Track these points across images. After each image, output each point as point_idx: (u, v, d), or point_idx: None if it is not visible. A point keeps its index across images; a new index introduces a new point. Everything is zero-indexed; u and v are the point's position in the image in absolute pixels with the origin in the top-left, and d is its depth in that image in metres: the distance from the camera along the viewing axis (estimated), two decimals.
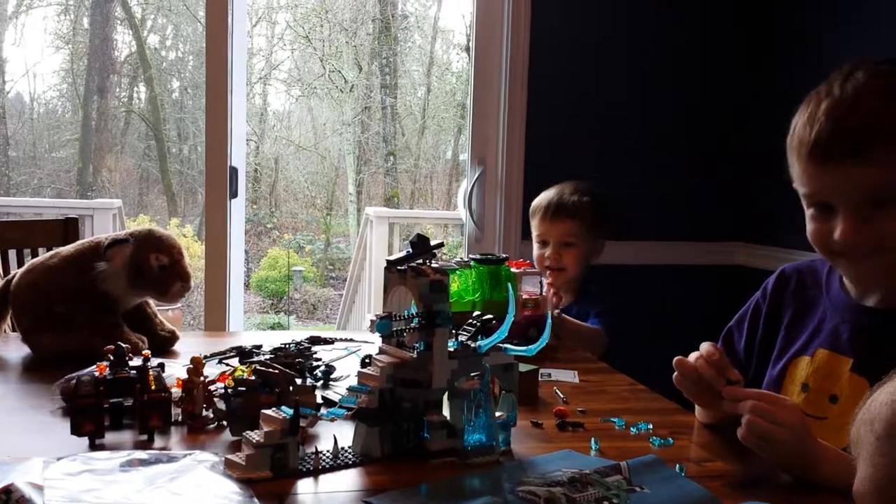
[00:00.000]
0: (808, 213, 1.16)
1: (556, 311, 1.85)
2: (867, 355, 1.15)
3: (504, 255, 1.74)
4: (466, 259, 1.73)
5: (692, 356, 1.18)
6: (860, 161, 1.05)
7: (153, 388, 1.11)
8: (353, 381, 1.08)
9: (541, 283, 1.79)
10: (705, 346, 1.17)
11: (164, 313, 1.73)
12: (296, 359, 1.34)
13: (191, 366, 1.16)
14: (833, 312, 1.23)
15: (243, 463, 0.95)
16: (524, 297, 1.70)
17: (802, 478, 1.02)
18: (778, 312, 1.34)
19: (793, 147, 1.14)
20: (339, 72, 11.50)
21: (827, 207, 1.11)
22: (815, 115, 1.09)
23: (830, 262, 1.20)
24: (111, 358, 1.18)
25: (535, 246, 2.17)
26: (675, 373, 1.19)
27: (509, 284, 1.41)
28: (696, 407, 1.27)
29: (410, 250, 1.10)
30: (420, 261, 1.09)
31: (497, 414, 1.09)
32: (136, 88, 11.55)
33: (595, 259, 2.20)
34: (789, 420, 1.01)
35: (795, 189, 1.19)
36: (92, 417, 1.07)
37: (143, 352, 1.21)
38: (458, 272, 1.65)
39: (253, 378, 1.11)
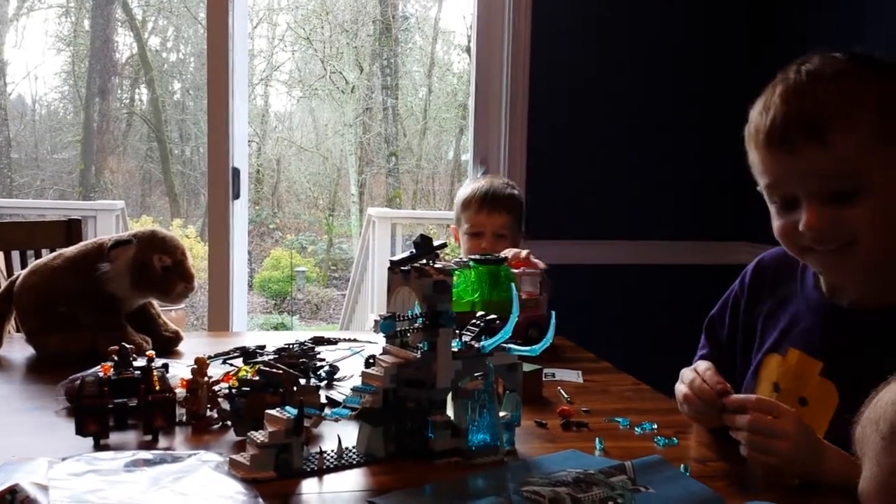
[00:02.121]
0: (772, 209, 1.13)
1: None
2: (836, 359, 1.13)
3: (503, 256, 1.74)
4: (466, 259, 1.72)
5: (686, 375, 1.18)
6: (817, 144, 1.02)
7: (157, 388, 1.11)
8: (357, 382, 1.08)
9: (540, 283, 1.79)
10: (703, 367, 1.16)
11: (168, 314, 1.74)
12: (299, 359, 1.34)
13: (195, 366, 1.16)
14: (807, 311, 1.21)
15: (248, 463, 0.95)
16: (524, 297, 1.69)
17: (808, 481, 1.01)
18: (755, 304, 1.31)
19: (750, 136, 1.12)
20: (341, 73, 11.50)
21: (790, 202, 1.08)
22: (769, 101, 1.08)
23: (801, 258, 1.16)
24: (115, 358, 1.18)
25: (464, 238, 2.13)
26: (682, 402, 1.18)
27: (512, 284, 1.41)
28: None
29: (414, 251, 1.10)
30: (423, 261, 1.09)
31: (501, 414, 1.09)
32: (137, 90, 11.57)
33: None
34: (788, 429, 1.00)
35: (759, 191, 1.16)
36: (96, 418, 1.07)
37: (147, 352, 1.21)
38: (457, 272, 1.64)
39: (257, 378, 1.11)
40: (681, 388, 1.19)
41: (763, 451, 1.01)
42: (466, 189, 2.17)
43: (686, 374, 1.19)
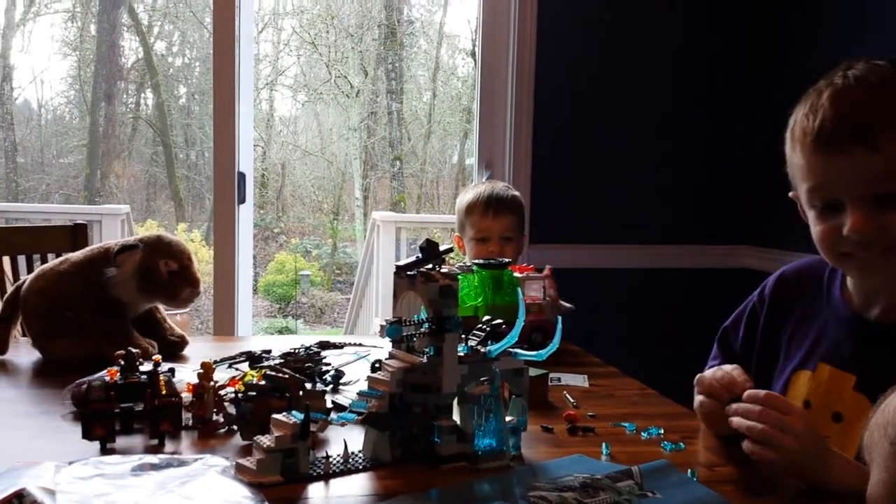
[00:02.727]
0: (812, 214, 1.12)
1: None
2: (870, 373, 1.12)
3: (507, 260, 1.73)
4: (469, 263, 1.72)
5: (709, 372, 1.17)
6: (866, 148, 1.02)
7: (164, 392, 1.11)
8: (363, 386, 1.07)
9: (544, 287, 1.79)
10: (730, 367, 1.16)
11: (173, 318, 1.74)
12: (305, 363, 1.34)
13: (201, 371, 1.16)
14: (835, 324, 1.20)
15: (254, 467, 0.95)
16: (528, 301, 1.69)
17: (812, 485, 1.01)
18: (778, 320, 1.30)
19: (795, 139, 1.11)
20: (346, 77, 11.53)
21: (833, 206, 1.08)
22: (817, 105, 1.07)
23: (838, 265, 1.16)
24: (122, 363, 1.18)
25: (470, 245, 2.11)
26: (703, 397, 1.18)
27: (518, 289, 1.40)
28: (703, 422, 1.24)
29: (420, 255, 1.10)
30: (429, 266, 1.09)
31: (507, 419, 1.09)
32: (143, 94, 11.61)
33: (520, 254, 2.18)
34: (796, 426, 0.99)
35: (793, 198, 1.17)
36: (103, 422, 1.07)
37: (154, 357, 1.21)
38: (460, 277, 1.64)
39: (263, 383, 1.11)
40: (705, 379, 1.17)
41: (769, 446, 1.00)
42: (468, 195, 2.16)
43: (709, 371, 1.18)
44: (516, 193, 2.16)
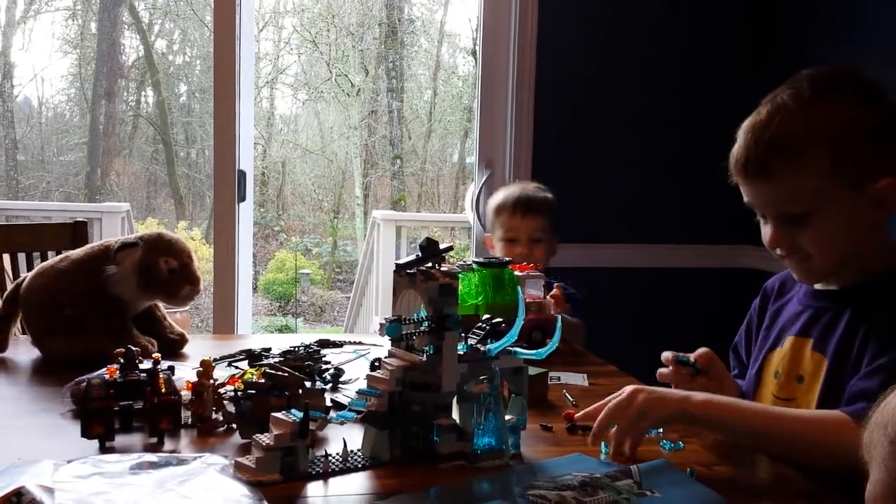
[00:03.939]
0: (759, 219, 1.28)
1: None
2: (823, 332, 1.24)
3: (507, 259, 1.73)
4: (469, 262, 1.72)
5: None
6: (766, 179, 1.18)
7: (163, 390, 1.11)
8: (363, 385, 1.08)
9: (543, 286, 1.79)
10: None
11: (172, 316, 1.74)
12: (305, 362, 1.34)
13: (200, 369, 1.16)
14: (799, 304, 1.33)
15: (253, 466, 0.96)
16: (527, 300, 1.69)
17: (683, 419, 1.11)
18: (761, 320, 1.42)
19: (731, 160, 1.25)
20: (346, 76, 11.52)
21: (763, 217, 1.24)
22: (740, 134, 1.22)
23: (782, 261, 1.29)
24: (121, 361, 1.18)
25: (500, 245, 2.12)
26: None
27: (518, 288, 1.40)
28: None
29: (419, 254, 1.10)
30: (429, 264, 1.09)
31: (507, 417, 1.09)
32: (143, 92, 11.60)
33: (552, 256, 2.18)
34: (633, 395, 1.10)
35: None
36: (102, 420, 1.07)
37: (153, 355, 1.21)
38: (460, 275, 1.64)
39: (262, 381, 1.11)
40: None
41: (631, 424, 1.08)
42: (499, 195, 2.16)
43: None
44: (548, 195, 2.15)
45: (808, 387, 1.22)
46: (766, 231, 1.25)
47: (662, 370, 1.34)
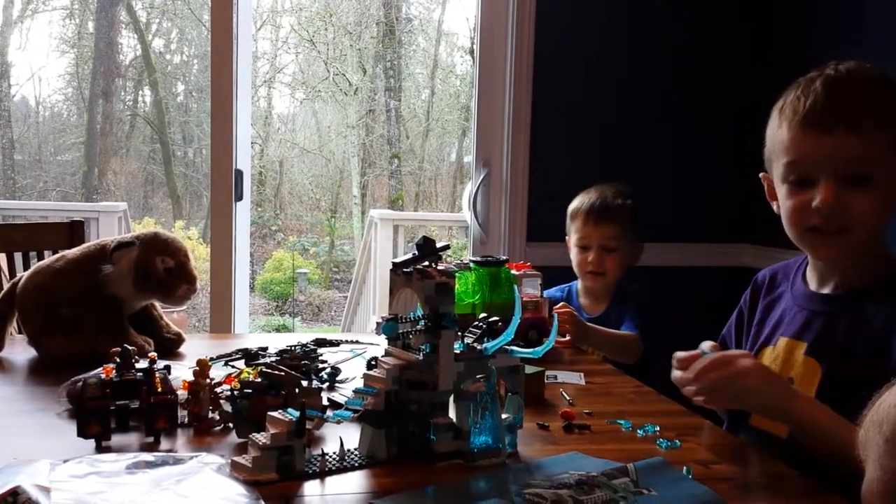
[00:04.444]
0: (784, 189, 1.21)
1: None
2: (818, 338, 1.23)
3: (504, 258, 1.74)
4: (466, 261, 1.72)
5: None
6: (851, 131, 1.12)
7: (159, 390, 1.11)
8: (359, 383, 1.07)
9: (540, 285, 1.79)
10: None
11: (169, 315, 1.74)
12: (301, 361, 1.34)
13: (197, 368, 1.16)
14: (793, 302, 1.31)
15: (249, 465, 0.95)
16: (524, 299, 1.69)
17: (776, 418, 1.10)
18: (752, 314, 1.41)
19: (783, 116, 1.19)
20: (344, 75, 11.52)
21: (805, 182, 1.17)
22: (810, 88, 1.16)
23: (799, 241, 1.24)
24: (117, 360, 1.18)
25: (574, 251, 2.10)
26: (678, 372, 1.23)
27: (515, 287, 1.40)
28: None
29: (416, 253, 1.10)
30: (426, 263, 1.09)
31: (503, 416, 1.09)
32: (141, 92, 11.60)
33: (634, 263, 2.13)
34: (745, 363, 1.08)
35: (763, 179, 1.29)
36: (98, 420, 1.07)
37: (150, 354, 1.21)
38: (457, 274, 1.64)
39: (259, 380, 1.11)
40: (678, 354, 1.24)
41: (725, 388, 1.09)
42: (576, 200, 2.12)
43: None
44: (625, 202, 2.08)
45: (800, 389, 1.21)
46: (797, 199, 1.19)
47: (677, 373, 1.23)
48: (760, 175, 1.31)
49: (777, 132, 1.21)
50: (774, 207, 1.28)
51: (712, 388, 1.13)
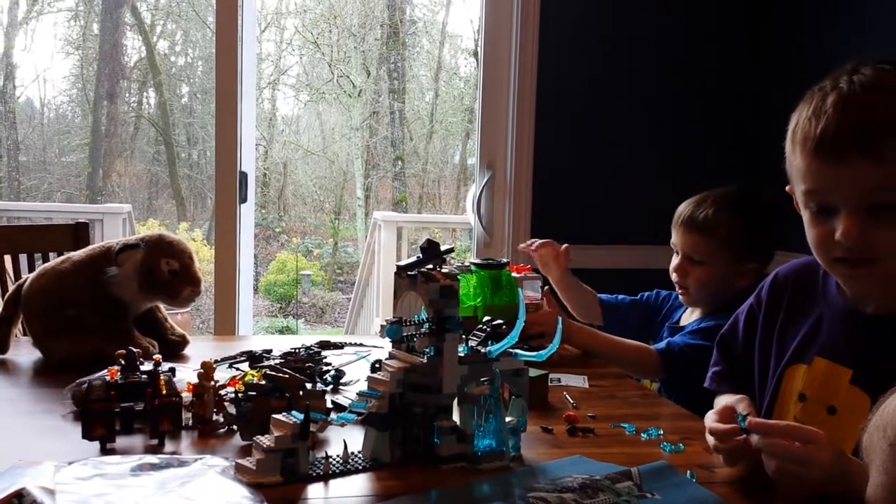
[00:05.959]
0: (807, 214, 1.12)
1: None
2: (866, 367, 1.12)
3: (505, 260, 1.73)
4: (467, 263, 1.72)
5: (708, 421, 1.12)
6: (867, 158, 1.01)
7: (164, 392, 1.11)
8: (363, 386, 1.08)
9: (541, 287, 1.78)
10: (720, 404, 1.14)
11: (174, 317, 1.74)
12: (306, 363, 1.34)
13: (201, 370, 1.17)
14: (830, 318, 1.20)
15: (253, 467, 0.96)
16: (526, 302, 1.66)
17: (835, 496, 0.97)
18: (773, 316, 1.30)
19: (796, 141, 1.09)
20: (348, 77, 11.53)
21: (827, 209, 1.07)
22: (820, 109, 1.05)
23: (830, 270, 1.16)
24: (122, 362, 1.18)
25: (673, 255, 1.90)
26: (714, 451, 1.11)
27: (518, 290, 1.40)
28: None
29: (420, 255, 1.10)
30: (430, 266, 1.09)
31: (507, 419, 1.09)
32: (145, 93, 11.61)
33: (741, 282, 1.76)
34: (822, 459, 0.94)
35: (789, 192, 1.17)
36: (103, 422, 1.07)
37: (154, 356, 1.21)
38: (459, 277, 1.63)
39: (263, 383, 1.11)
40: (711, 427, 1.10)
41: (795, 478, 0.97)
42: (687, 200, 1.94)
43: (708, 419, 1.13)
44: (721, 214, 1.81)
45: (843, 422, 1.11)
46: (819, 229, 1.09)
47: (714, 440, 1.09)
48: (787, 188, 1.18)
49: (792, 156, 1.11)
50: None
51: (777, 473, 0.99)
